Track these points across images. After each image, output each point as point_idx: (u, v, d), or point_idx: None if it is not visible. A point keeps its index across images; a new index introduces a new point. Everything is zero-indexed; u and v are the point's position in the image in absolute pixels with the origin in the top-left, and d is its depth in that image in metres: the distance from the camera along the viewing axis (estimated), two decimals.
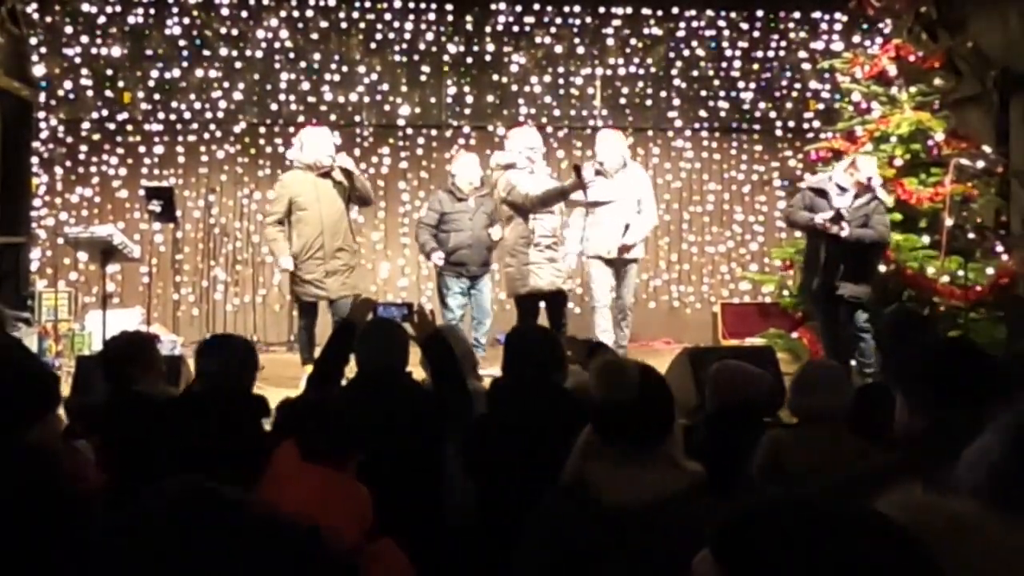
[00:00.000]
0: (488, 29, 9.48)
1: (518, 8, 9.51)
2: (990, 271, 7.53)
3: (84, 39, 8.96)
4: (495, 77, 9.55)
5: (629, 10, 9.64)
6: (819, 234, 6.42)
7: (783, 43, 9.83)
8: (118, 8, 9.01)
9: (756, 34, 9.80)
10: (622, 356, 4.78)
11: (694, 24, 9.71)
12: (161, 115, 9.15)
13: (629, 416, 2.35)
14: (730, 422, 3.25)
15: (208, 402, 3.26)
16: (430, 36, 9.45)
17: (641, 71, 9.70)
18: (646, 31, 9.68)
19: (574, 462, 2.44)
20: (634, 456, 2.33)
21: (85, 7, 8.92)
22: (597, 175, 6.87)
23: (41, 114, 8.94)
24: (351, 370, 3.69)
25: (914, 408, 2.13)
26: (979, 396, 2.11)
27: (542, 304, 6.91)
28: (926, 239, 7.47)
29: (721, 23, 9.76)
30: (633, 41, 9.67)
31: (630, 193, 7.03)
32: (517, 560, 2.38)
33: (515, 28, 9.53)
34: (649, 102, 9.71)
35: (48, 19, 8.94)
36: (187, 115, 9.17)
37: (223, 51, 9.18)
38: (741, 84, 9.79)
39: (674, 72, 9.73)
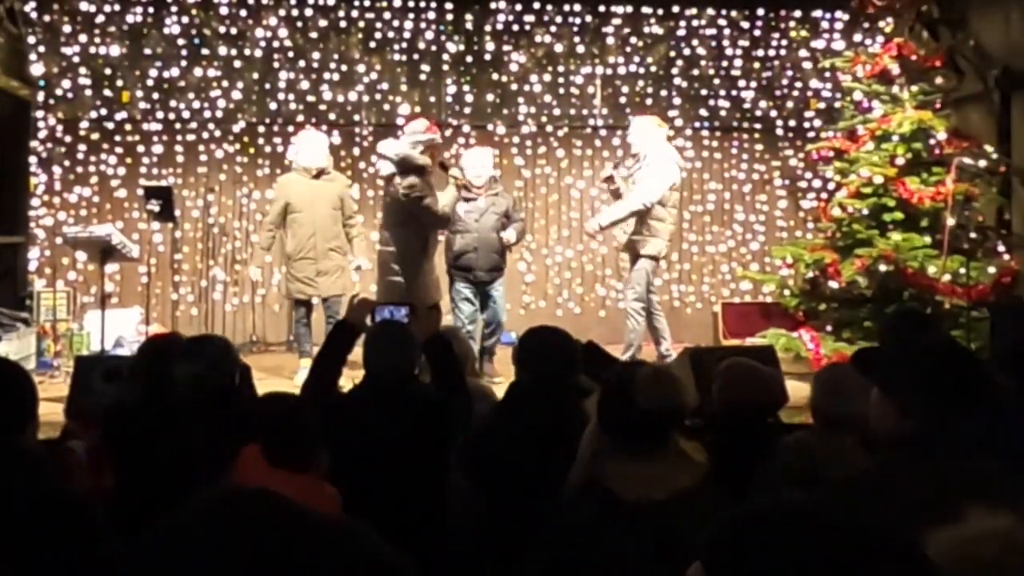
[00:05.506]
0: (488, 28, 9.45)
1: (518, 7, 9.47)
2: (992, 270, 7.51)
3: (83, 38, 8.92)
4: (495, 76, 9.52)
5: (629, 9, 9.60)
6: None
7: (784, 42, 9.80)
8: (117, 7, 8.97)
9: (757, 33, 9.76)
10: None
11: (694, 23, 9.68)
12: (160, 114, 9.11)
13: (643, 417, 2.35)
14: (738, 423, 3.20)
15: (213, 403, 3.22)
16: (430, 35, 9.41)
17: (641, 70, 9.67)
18: (646, 30, 9.64)
19: (584, 461, 2.43)
20: (645, 451, 2.33)
21: (84, 6, 8.87)
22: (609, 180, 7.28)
23: (39, 113, 8.89)
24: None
25: (906, 410, 2.12)
26: (970, 399, 2.11)
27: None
28: (927, 238, 7.45)
29: (722, 22, 9.72)
30: (633, 40, 9.64)
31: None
32: (534, 559, 2.35)
33: (515, 27, 9.50)
34: (649, 101, 9.67)
35: (46, 18, 8.90)
36: (186, 114, 9.13)
37: (222, 50, 9.14)
38: (742, 83, 9.75)
39: (674, 71, 9.70)
